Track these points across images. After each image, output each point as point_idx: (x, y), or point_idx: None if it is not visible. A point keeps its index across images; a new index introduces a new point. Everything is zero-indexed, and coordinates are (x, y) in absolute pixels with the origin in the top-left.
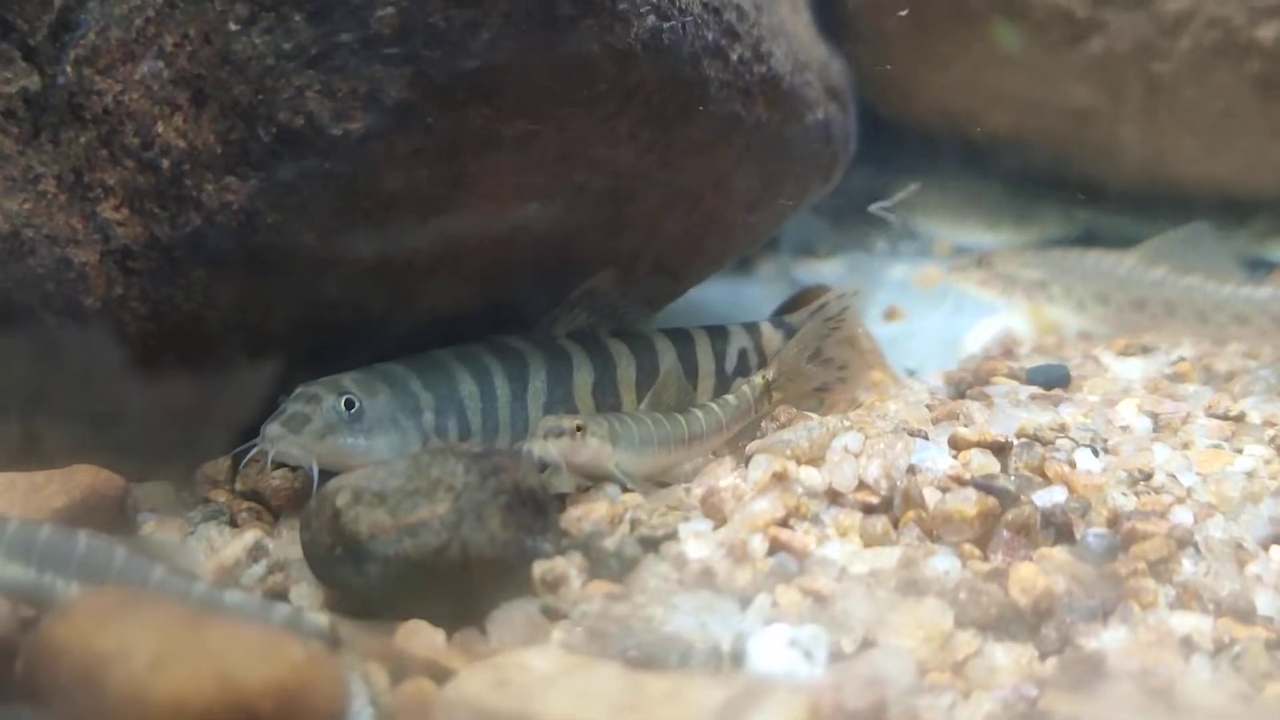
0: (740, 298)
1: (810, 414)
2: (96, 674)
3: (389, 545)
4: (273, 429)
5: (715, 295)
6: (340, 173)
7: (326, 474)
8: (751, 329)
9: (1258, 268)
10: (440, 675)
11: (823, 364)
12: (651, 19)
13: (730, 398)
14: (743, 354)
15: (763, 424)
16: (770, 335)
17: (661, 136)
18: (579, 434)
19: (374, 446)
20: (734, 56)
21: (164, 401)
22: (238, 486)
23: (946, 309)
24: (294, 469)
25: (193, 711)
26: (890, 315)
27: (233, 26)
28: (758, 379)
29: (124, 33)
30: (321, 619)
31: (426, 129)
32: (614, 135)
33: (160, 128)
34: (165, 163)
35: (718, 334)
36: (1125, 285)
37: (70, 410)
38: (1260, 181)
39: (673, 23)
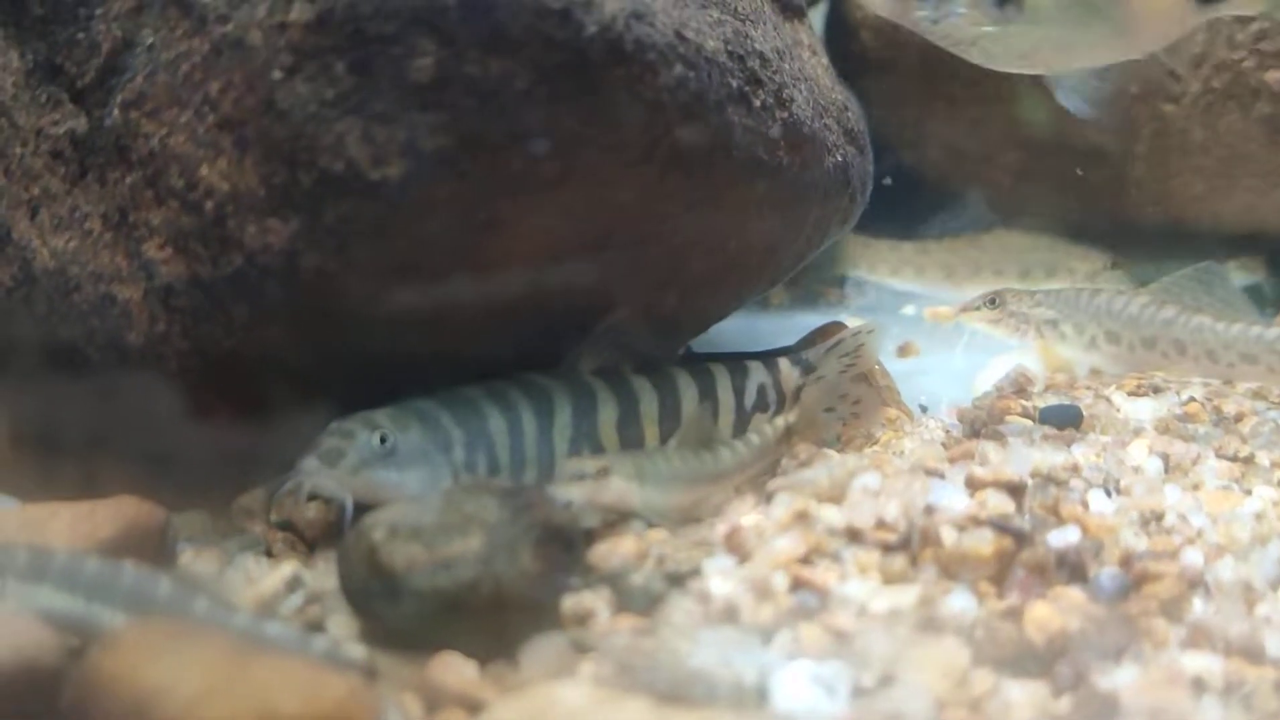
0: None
1: (829, 450)
2: (145, 707)
3: (424, 579)
4: (308, 463)
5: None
6: (378, 216)
7: (360, 507)
8: (770, 365)
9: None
10: (473, 706)
11: (837, 399)
12: (679, 68)
13: (754, 436)
14: (761, 390)
15: (782, 460)
16: (788, 371)
17: (686, 181)
18: (603, 475)
19: (406, 480)
20: (757, 103)
21: (203, 435)
22: (273, 518)
23: (960, 346)
24: (328, 501)
25: None
26: (904, 351)
27: (277, 74)
28: (779, 422)
29: (170, 78)
30: (359, 651)
31: (462, 174)
32: (641, 180)
33: (204, 170)
34: (209, 204)
35: (737, 370)
36: (1135, 324)
37: (114, 440)
38: (1268, 221)
39: (699, 72)
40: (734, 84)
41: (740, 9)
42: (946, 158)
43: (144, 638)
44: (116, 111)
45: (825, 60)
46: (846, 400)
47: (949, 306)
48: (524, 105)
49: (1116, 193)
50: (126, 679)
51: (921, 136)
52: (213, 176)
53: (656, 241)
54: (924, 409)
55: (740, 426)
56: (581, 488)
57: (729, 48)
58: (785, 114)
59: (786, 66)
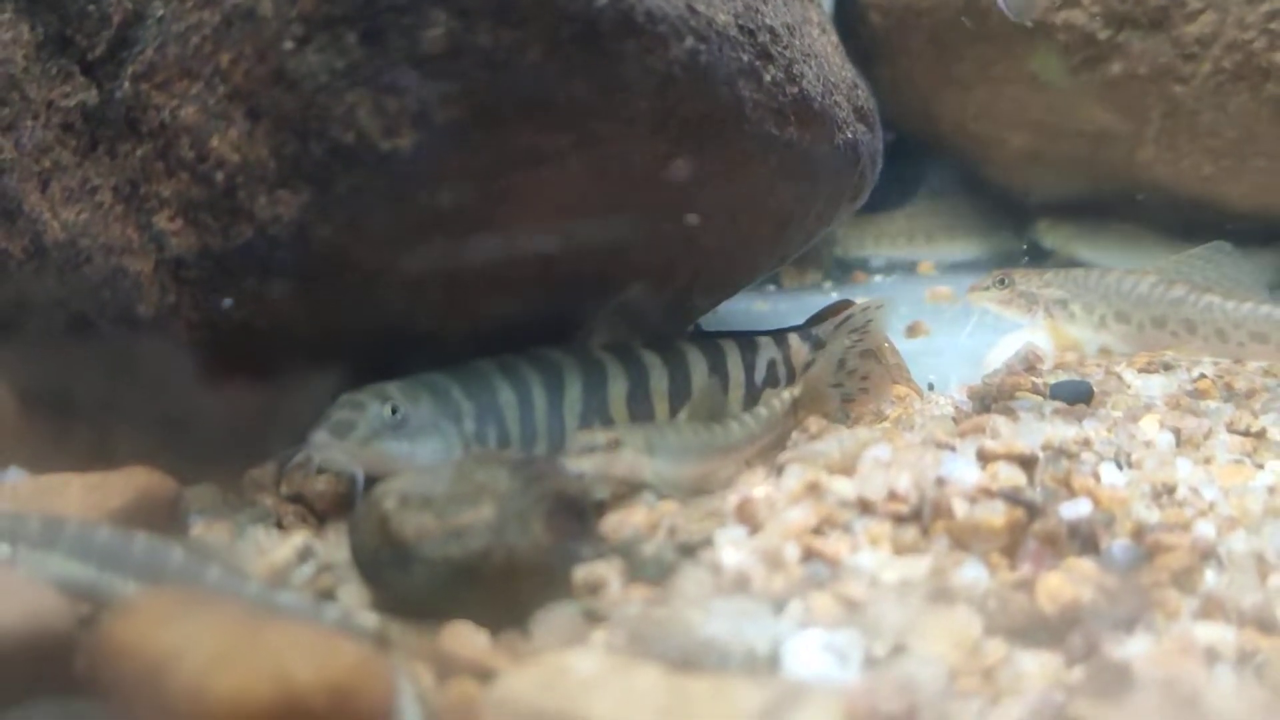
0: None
1: (839, 425)
2: (159, 672)
3: (435, 548)
4: (319, 435)
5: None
6: (389, 187)
7: (370, 479)
8: (780, 340)
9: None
10: (484, 675)
11: (845, 375)
12: (690, 41)
13: (762, 410)
14: (771, 365)
15: (793, 434)
16: (798, 347)
17: (697, 155)
18: (613, 448)
19: (417, 452)
20: (767, 78)
21: (214, 407)
22: (283, 490)
23: (969, 325)
24: (338, 473)
25: (251, 709)
26: (913, 331)
27: (288, 45)
28: (785, 394)
29: (181, 50)
30: (371, 619)
31: (473, 145)
32: (652, 153)
33: (215, 142)
34: (219, 176)
35: (747, 345)
36: (1145, 303)
37: (125, 413)
38: (1277, 201)
39: (710, 45)
40: (745, 58)
41: None
42: (956, 139)
43: (157, 605)
44: (127, 84)
45: (835, 38)
46: (855, 376)
47: (948, 287)
48: (535, 76)
49: (1126, 173)
50: (140, 645)
51: (930, 118)
52: (223, 148)
53: (667, 215)
54: (932, 387)
55: (751, 401)
56: (593, 459)
57: (740, 22)
58: (795, 89)
59: (797, 43)
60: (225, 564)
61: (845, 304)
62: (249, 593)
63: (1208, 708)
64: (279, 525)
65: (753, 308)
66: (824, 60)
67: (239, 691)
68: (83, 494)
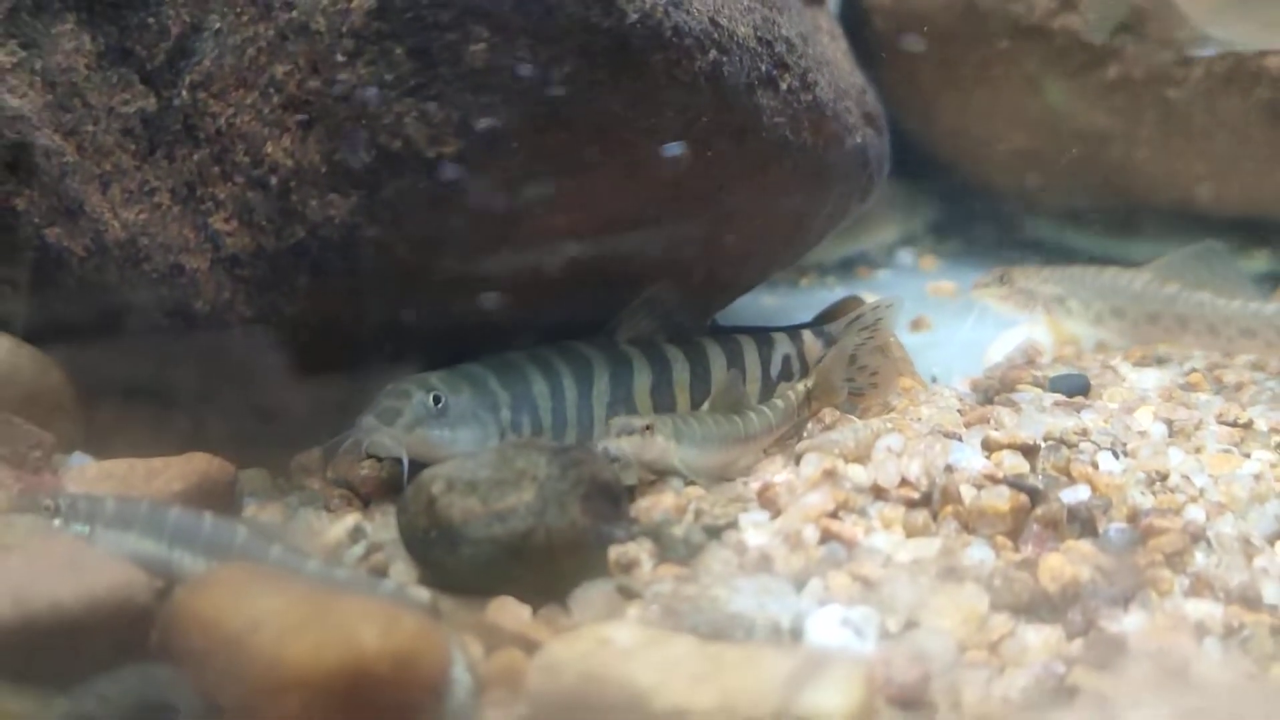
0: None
1: (851, 416)
2: (236, 641)
3: (480, 529)
4: (367, 421)
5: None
6: (433, 192)
7: (414, 464)
8: (795, 336)
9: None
10: (528, 646)
11: (856, 370)
12: (713, 54)
13: (778, 401)
14: (786, 360)
15: (809, 425)
16: (811, 343)
17: (718, 160)
18: (648, 433)
19: (457, 438)
20: (784, 86)
21: (265, 395)
22: (329, 475)
23: (971, 321)
24: (381, 460)
25: (321, 674)
26: (917, 325)
27: (340, 58)
28: (800, 387)
29: (237, 61)
30: (423, 593)
31: (511, 152)
32: (677, 159)
33: (269, 148)
34: (273, 180)
35: (764, 341)
36: (1140, 300)
37: (181, 402)
38: (1267, 203)
39: (731, 57)
40: (763, 68)
41: None
42: (956, 141)
43: (230, 580)
44: (185, 92)
45: (844, 45)
46: (865, 371)
47: (950, 282)
48: (570, 88)
49: (1122, 175)
50: (217, 617)
51: (931, 119)
52: (277, 153)
53: (690, 217)
54: (935, 379)
55: (766, 394)
56: (630, 440)
57: (758, 33)
58: (810, 97)
59: (810, 51)
60: (286, 543)
61: (854, 301)
62: (310, 569)
63: (1197, 677)
64: (327, 508)
65: (762, 302)
66: (835, 67)
67: (312, 658)
68: (147, 478)
